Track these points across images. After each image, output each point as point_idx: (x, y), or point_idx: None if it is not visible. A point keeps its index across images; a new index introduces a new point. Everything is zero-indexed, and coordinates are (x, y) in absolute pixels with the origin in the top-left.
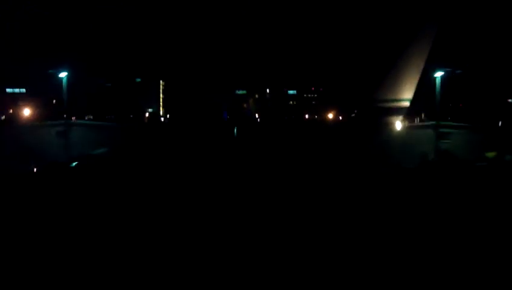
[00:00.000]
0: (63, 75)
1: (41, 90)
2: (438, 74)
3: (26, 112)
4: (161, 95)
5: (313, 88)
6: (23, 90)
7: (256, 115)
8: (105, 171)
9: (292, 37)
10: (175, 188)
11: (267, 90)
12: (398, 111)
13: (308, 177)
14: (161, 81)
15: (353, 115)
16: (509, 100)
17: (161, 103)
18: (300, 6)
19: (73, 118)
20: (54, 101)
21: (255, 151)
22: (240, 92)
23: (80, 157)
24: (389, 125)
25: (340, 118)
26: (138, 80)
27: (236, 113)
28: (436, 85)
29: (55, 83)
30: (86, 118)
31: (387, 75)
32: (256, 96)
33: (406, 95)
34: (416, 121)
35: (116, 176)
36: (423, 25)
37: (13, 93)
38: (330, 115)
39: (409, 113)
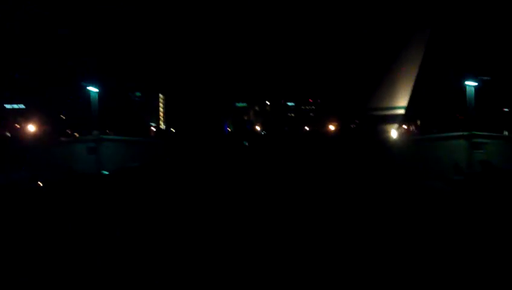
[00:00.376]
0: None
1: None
2: (470, 83)
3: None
4: (161, 109)
5: (310, 100)
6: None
7: (257, 127)
8: (138, 182)
9: (289, 51)
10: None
11: (267, 103)
12: (393, 119)
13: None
14: (160, 95)
15: (353, 125)
16: None
17: (161, 117)
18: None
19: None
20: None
21: (260, 164)
22: (240, 104)
23: (112, 170)
24: (385, 133)
25: (338, 128)
26: (138, 94)
27: (237, 126)
28: (468, 94)
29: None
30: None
31: (381, 84)
32: (257, 108)
33: (401, 103)
34: (412, 128)
35: (148, 187)
36: (415, 33)
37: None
38: (330, 126)
39: (404, 121)
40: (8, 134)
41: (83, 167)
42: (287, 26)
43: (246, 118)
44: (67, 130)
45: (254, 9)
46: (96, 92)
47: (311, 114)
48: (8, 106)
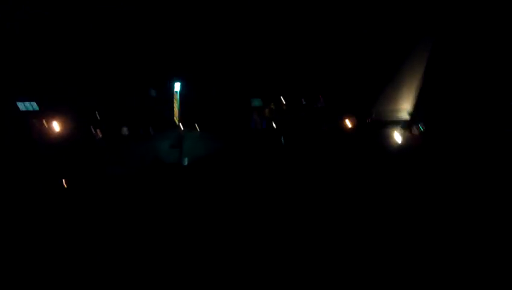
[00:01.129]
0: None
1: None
2: None
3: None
4: (176, 104)
5: (320, 96)
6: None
7: (274, 125)
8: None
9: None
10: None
11: (282, 100)
12: (397, 123)
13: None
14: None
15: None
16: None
17: (176, 112)
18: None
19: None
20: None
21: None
22: (256, 103)
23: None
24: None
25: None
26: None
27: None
28: None
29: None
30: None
31: (386, 87)
32: (272, 106)
33: (405, 106)
34: (416, 132)
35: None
36: (421, 36)
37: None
38: (346, 123)
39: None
40: (99, 133)
41: (167, 160)
42: (296, 27)
43: (259, 115)
44: (148, 126)
45: (275, 9)
46: (179, 85)
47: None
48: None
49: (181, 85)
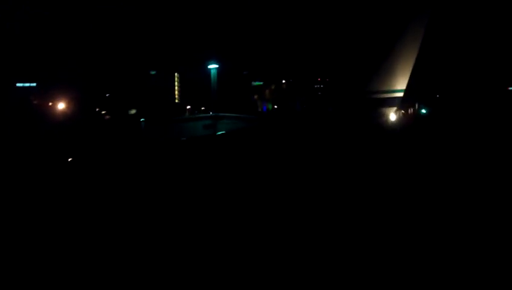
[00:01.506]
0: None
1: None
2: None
3: None
4: (176, 87)
5: (319, 79)
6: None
7: (275, 106)
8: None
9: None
10: None
11: (283, 81)
12: (391, 102)
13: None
14: (176, 74)
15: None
16: None
17: (176, 95)
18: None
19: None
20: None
21: None
22: (257, 83)
23: None
24: (383, 117)
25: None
26: (153, 72)
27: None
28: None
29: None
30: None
31: (381, 66)
32: (272, 87)
33: (399, 86)
34: (411, 111)
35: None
36: (415, 15)
37: None
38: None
39: (402, 104)
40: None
41: None
42: (298, 14)
43: (259, 95)
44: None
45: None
46: (215, 69)
47: (319, 93)
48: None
49: (215, 70)
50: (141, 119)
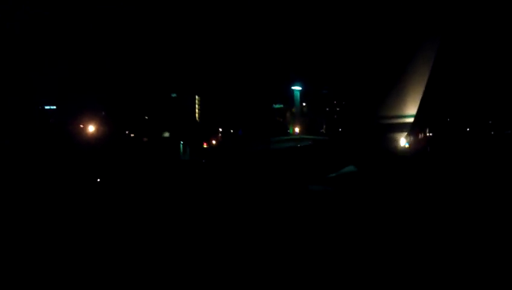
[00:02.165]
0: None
1: None
2: None
3: None
4: (197, 110)
5: (335, 102)
6: None
7: (297, 130)
8: None
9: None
10: None
11: (303, 104)
12: (402, 127)
13: None
14: (196, 96)
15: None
16: None
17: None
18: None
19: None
20: None
21: None
22: (277, 106)
23: None
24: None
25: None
26: (174, 95)
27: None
28: None
29: None
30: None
31: (391, 90)
32: (293, 110)
33: (410, 111)
34: (421, 136)
35: None
36: (426, 39)
37: None
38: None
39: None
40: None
41: None
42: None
43: (281, 119)
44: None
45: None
46: (299, 91)
47: (335, 116)
48: None
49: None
50: (180, 142)
